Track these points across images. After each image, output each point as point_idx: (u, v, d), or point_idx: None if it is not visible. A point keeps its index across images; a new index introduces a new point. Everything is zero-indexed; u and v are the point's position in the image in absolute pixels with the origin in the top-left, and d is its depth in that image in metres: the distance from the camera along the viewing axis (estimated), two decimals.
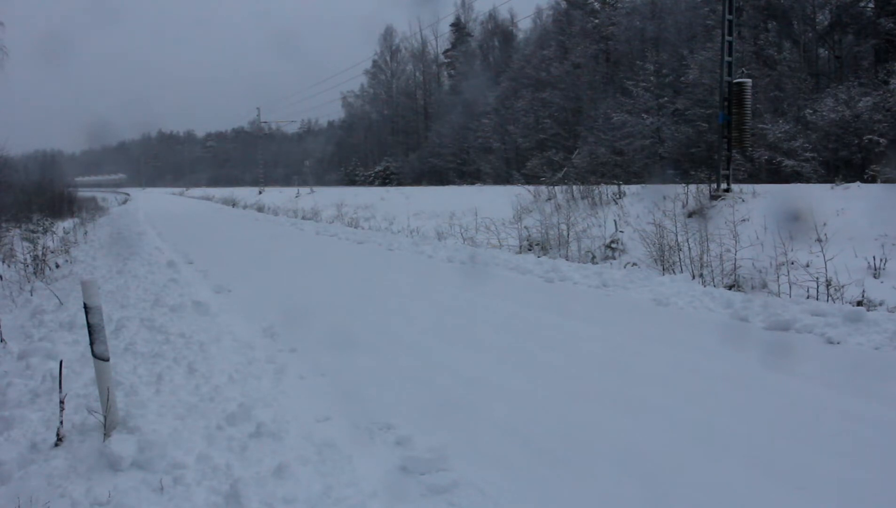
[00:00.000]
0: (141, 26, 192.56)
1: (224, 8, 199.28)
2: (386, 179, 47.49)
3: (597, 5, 38.09)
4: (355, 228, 19.69)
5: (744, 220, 10.83)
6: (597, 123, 30.97)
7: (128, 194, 61.33)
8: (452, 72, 53.45)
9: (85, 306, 3.79)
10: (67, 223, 21.40)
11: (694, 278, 8.74)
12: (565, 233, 12.10)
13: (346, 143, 63.32)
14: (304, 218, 25.14)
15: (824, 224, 8.67)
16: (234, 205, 40.20)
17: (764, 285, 7.85)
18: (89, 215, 28.87)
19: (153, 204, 46.07)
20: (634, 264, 10.11)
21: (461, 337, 6.50)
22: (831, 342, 5.68)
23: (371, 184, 45.94)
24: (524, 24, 50.37)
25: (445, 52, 54.34)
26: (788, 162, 20.92)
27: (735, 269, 8.46)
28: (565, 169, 23.78)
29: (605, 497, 3.32)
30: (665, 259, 9.54)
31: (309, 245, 16.58)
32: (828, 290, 7.23)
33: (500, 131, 39.19)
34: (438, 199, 23.54)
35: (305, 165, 64.21)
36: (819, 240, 8.03)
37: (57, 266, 11.44)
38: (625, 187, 15.23)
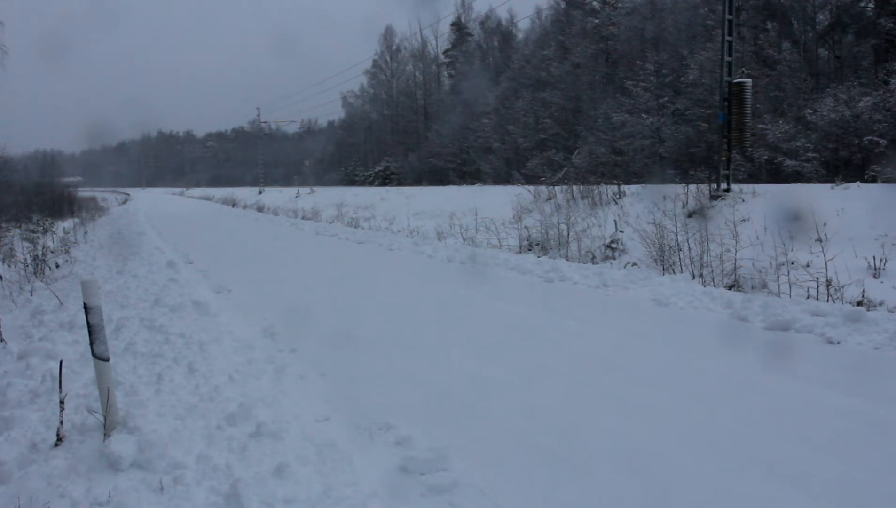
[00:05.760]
0: (141, 26, 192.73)
1: (224, 8, 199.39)
2: (386, 179, 47.49)
3: (596, 5, 38.10)
4: (355, 228, 19.69)
5: (744, 220, 10.83)
6: (597, 123, 30.97)
7: (128, 194, 61.33)
8: (452, 72, 53.43)
9: (85, 307, 3.78)
10: (67, 223, 21.40)
11: (694, 278, 8.74)
12: (565, 233, 12.10)
13: (346, 143, 63.32)
14: (304, 218, 25.15)
15: (824, 224, 8.66)
16: (234, 205, 40.22)
17: (764, 285, 7.85)
18: (89, 215, 28.86)
19: (153, 204, 46.07)
20: (634, 264, 10.11)
21: (461, 337, 6.50)
22: (831, 342, 5.68)
23: (371, 184, 45.94)
24: (523, 25, 50.42)
25: (445, 52, 54.32)
26: (789, 162, 20.92)
27: (735, 269, 8.46)
28: (565, 169, 23.78)
29: (605, 496, 3.31)
30: (665, 259, 9.54)
31: (309, 245, 16.58)
32: (828, 290, 7.23)
33: (500, 131, 39.18)
34: (438, 199, 23.54)
35: (305, 165, 64.18)
36: (819, 240, 8.03)
37: (57, 266, 11.44)
38: (625, 187, 15.23)
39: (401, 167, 49.03)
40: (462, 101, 44.44)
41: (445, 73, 55.00)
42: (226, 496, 3.18)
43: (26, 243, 12.94)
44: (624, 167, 26.27)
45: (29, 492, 3.20)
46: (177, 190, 79.85)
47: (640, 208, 12.78)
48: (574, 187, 16.19)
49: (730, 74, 12.78)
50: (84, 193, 46.12)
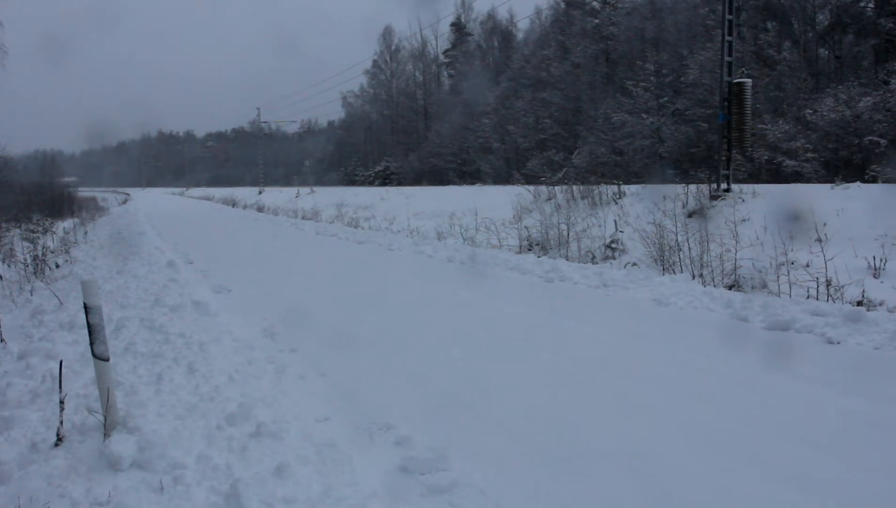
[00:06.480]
0: (141, 26, 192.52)
1: (224, 8, 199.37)
2: (386, 179, 47.52)
3: (597, 5, 38.12)
4: (355, 228, 19.69)
5: (744, 220, 10.83)
6: (597, 123, 31.00)
7: (128, 195, 61.35)
8: (452, 72, 53.46)
9: (85, 307, 3.78)
10: (67, 223, 21.40)
11: (694, 278, 8.74)
12: (565, 233, 12.10)
13: (346, 143, 63.36)
14: (304, 218, 25.14)
15: (824, 224, 8.66)
16: (234, 205, 40.21)
17: (764, 285, 7.85)
18: (89, 215, 28.86)
19: (153, 204, 46.07)
20: (634, 264, 10.11)
21: (461, 337, 6.49)
22: (831, 342, 5.68)
23: (371, 184, 45.97)
24: (523, 25, 50.46)
25: (445, 52, 54.34)
26: (789, 162, 20.92)
27: (735, 269, 8.46)
28: (565, 169, 23.79)
29: (605, 497, 3.31)
30: (665, 259, 9.54)
31: (309, 245, 16.58)
32: (828, 290, 7.23)
33: (500, 131, 39.20)
34: (438, 199, 23.54)
35: (305, 165, 64.24)
36: (819, 240, 8.02)
37: (57, 266, 11.43)
38: (625, 187, 15.23)
39: (401, 167, 49.04)
40: (462, 101, 44.49)
41: (445, 73, 55.03)
42: (226, 496, 3.19)
43: (26, 243, 12.94)
44: (624, 167, 26.29)
45: (29, 492, 3.20)
46: (177, 190, 79.84)
47: (640, 208, 12.77)
48: (574, 187, 16.19)
49: (730, 74, 12.78)
50: (84, 193, 46.11)
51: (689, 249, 9.22)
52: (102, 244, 16.17)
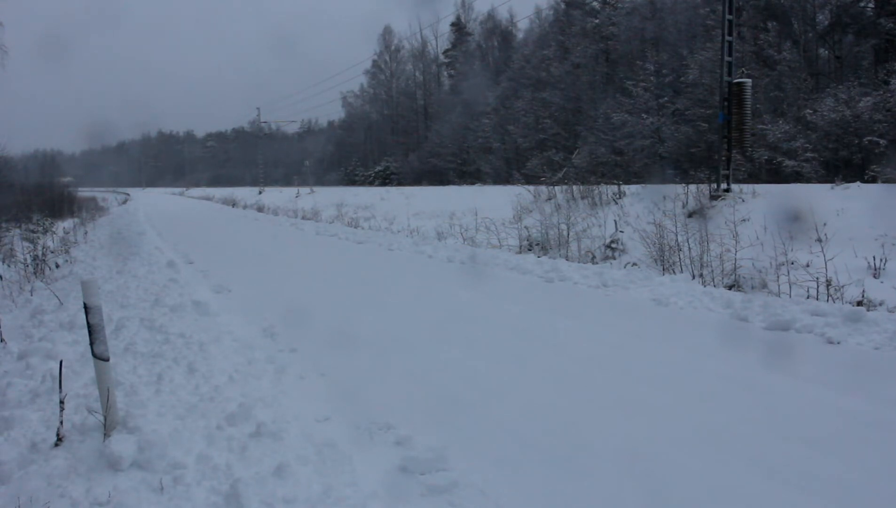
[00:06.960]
0: (141, 26, 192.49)
1: (224, 8, 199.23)
2: (386, 179, 47.53)
3: (597, 5, 38.14)
4: (355, 228, 19.69)
5: (744, 220, 10.83)
6: (597, 123, 31.00)
7: (127, 194, 61.37)
8: (452, 72, 53.46)
9: (85, 306, 3.78)
10: (67, 223, 21.39)
11: (694, 278, 8.74)
12: (565, 233, 12.10)
13: (346, 143, 63.38)
14: (304, 218, 25.14)
15: (824, 224, 8.66)
16: (234, 205, 40.22)
17: (764, 285, 7.85)
18: (89, 215, 28.86)
19: (153, 204, 46.07)
20: (634, 264, 10.11)
21: (461, 337, 6.49)
22: (831, 342, 5.68)
23: (371, 184, 45.99)
24: (523, 25, 50.48)
25: (445, 52, 54.34)
26: (788, 162, 20.92)
27: (735, 269, 8.46)
28: (565, 169, 23.78)
29: (605, 497, 3.31)
30: (665, 259, 9.54)
31: (309, 245, 16.58)
32: (828, 290, 7.23)
33: (500, 131, 39.21)
34: (438, 199, 23.55)
35: (305, 165, 64.21)
36: (819, 240, 8.02)
37: (57, 266, 11.44)
38: (625, 187, 15.23)
39: (401, 167, 49.05)
40: (462, 101, 44.49)
41: (445, 73, 55.03)
42: (226, 496, 3.19)
43: (26, 243, 12.95)
44: (624, 167, 26.30)
45: (29, 492, 3.20)
46: (177, 190, 79.84)
47: (640, 208, 12.77)
48: (574, 187, 16.19)
49: (730, 74, 12.78)
50: (83, 193, 46.11)
51: (689, 249, 9.22)
52: (102, 244, 16.17)
